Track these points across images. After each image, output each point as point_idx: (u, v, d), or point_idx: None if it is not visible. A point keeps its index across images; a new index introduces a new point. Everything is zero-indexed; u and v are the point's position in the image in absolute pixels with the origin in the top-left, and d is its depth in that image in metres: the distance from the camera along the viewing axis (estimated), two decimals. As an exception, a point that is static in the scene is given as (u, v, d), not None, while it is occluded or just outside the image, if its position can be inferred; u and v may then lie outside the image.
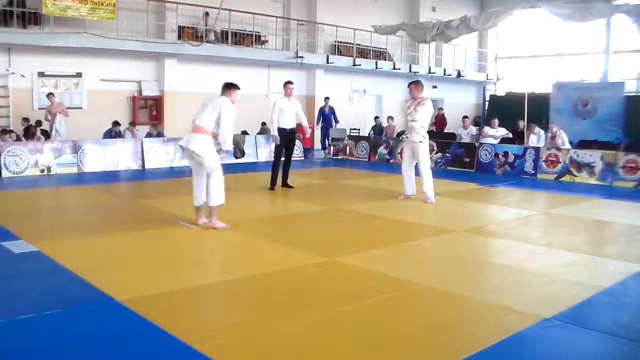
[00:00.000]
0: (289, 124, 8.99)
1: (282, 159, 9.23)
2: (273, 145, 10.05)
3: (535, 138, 12.77)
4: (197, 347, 3.13)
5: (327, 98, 17.20)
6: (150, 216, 6.95)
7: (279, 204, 8.40)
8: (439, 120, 19.13)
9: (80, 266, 4.60)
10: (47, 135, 12.41)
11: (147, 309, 3.68)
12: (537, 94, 16.98)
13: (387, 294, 4.13)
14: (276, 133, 8.93)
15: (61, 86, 13.96)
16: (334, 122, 16.84)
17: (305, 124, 9.48)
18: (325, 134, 16.83)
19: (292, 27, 18.29)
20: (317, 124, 17.03)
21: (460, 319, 3.76)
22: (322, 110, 17.09)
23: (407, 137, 8.18)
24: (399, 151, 14.25)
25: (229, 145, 6.09)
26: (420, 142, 8.00)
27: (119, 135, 12.78)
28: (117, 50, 13.96)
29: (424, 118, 8.02)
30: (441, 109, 19.79)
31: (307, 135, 9.60)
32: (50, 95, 12.73)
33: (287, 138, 9.04)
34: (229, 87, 6.26)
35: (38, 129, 11.93)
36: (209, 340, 3.25)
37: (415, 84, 8.18)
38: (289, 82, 9.15)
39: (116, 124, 12.99)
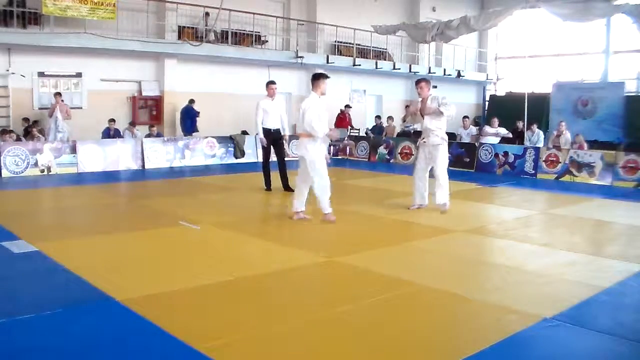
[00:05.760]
0: (274, 125, 8.88)
1: (275, 159, 9.14)
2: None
3: (531, 134, 12.96)
4: (197, 347, 3.13)
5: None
6: (150, 216, 6.96)
7: (278, 203, 8.39)
8: (340, 119, 16.19)
9: (80, 266, 4.60)
10: (44, 133, 12.39)
11: (147, 309, 3.68)
12: (537, 94, 16.97)
13: (387, 294, 4.13)
14: (261, 135, 8.85)
15: (61, 86, 13.92)
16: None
17: (286, 126, 9.25)
18: None
19: (292, 27, 18.27)
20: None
21: (460, 319, 3.76)
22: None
23: (424, 141, 7.44)
24: (399, 151, 14.30)
25: (319, 132, 6.34)
26: (440, 144, 7.41)
27: (116, 132, 12.77)
28: (117, 50, 13.94)
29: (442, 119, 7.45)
30: (348, 105, 16.84)
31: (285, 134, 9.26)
32: (57, 95, 12.74)
33: (272, 138, 8.92)
34: (316, 79, 6.50)
35: (34, 129, 11.90)
36: (209, 340, 3.25)
37: (426, 82, 7.76)
38: (272, 82, 9.01)
39: (112, 120, 12.99)
